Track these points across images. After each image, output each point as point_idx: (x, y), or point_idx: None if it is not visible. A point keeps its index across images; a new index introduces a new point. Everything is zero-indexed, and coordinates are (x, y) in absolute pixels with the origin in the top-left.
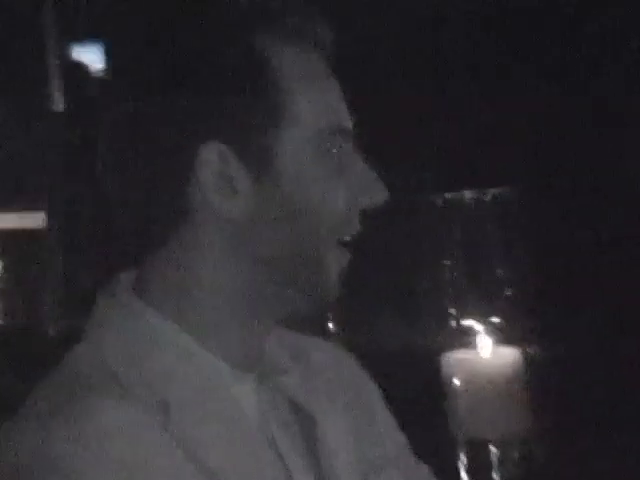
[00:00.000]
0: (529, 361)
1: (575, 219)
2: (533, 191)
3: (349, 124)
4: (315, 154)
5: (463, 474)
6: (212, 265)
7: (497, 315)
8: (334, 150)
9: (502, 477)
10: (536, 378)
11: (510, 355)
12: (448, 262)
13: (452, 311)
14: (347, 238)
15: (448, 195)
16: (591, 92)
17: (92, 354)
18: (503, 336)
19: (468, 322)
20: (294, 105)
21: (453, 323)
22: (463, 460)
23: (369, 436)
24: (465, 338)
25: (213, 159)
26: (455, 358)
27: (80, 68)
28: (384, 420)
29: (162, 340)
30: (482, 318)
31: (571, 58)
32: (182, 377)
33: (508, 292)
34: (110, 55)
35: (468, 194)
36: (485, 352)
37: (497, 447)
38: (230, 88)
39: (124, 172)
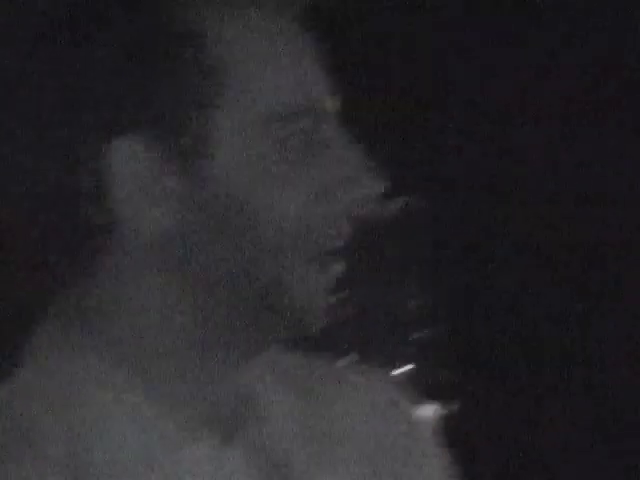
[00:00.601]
0: (450, 421)
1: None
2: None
3: (326, 101)
4: (267, 142)
5: None
6: (149, 292)
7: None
8: (298, 136)
9: None
10: (459, 441)
11: (425, 413)
12: None
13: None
14: (336, 245)
15: None
16: None
17: None
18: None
19: None
20: (235, 80)
21: None
22: None
23: None
24: None
25: (128, 158)
26: None
27: None
28: None
29: (90, 384)
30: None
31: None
32: (104, 436)
33: (424, 331)
34: None
35: None
36: None
37: None
38: (145, 59)
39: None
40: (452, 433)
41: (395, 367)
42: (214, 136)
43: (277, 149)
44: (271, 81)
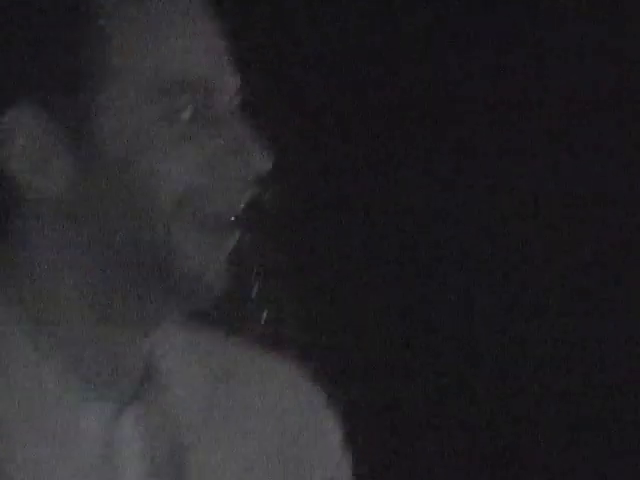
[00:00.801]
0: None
1: None
2: None
3: (220, 78)
4: (153, 113)
5: None
6: (50, 258)
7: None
8: (186, 109)
9: None
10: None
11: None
12: None
13: None
14: (225, 216)
15: None
16: None
17: None
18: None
19: None
20: (120, 53)
21: None
22: None
23: None
24: None
25: (21, 128)
26: None
27: None
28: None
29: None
30: None
31: None
32: (10, 386)
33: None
34: None
35: None
36: None
37: None
38: (36, 33)
39: None
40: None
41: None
42: (103, 106)
43: (167, 119)
44: (163, 53)
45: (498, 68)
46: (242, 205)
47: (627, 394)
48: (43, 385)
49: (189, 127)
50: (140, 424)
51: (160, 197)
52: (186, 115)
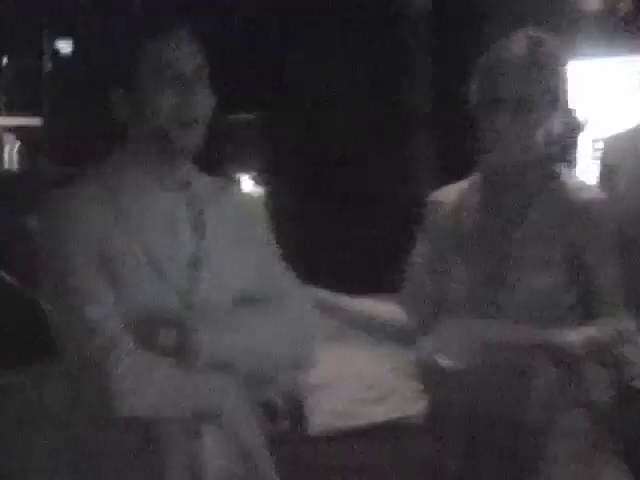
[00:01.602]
0: None
1: None
2: None
3: (183, 68)
4: (155, 84)
5: None
6: (136, 137)
7: None
8: (170, 82)
9: None
10: None
11: None
12: None
13: None
14: (187, 121)
15: None
16: None
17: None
18: None
19: None
20: (140, 63)
21: None
22: None
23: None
24: None
25: (117, 100)
26: None
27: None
28: (259, 245)
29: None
30: None
31: None
32: (134, 180)
33: None
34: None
35: None
36: None
37: None
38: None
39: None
40: None
41: None
42: (136, 82)
43: (161, 85)
44: (159, 58)
45: None
46: (207, 114)
47: None
48: (142, 182)
49: (174, 89)
50: (187, 203)
51: (158, 115)
52: (172, 85)
